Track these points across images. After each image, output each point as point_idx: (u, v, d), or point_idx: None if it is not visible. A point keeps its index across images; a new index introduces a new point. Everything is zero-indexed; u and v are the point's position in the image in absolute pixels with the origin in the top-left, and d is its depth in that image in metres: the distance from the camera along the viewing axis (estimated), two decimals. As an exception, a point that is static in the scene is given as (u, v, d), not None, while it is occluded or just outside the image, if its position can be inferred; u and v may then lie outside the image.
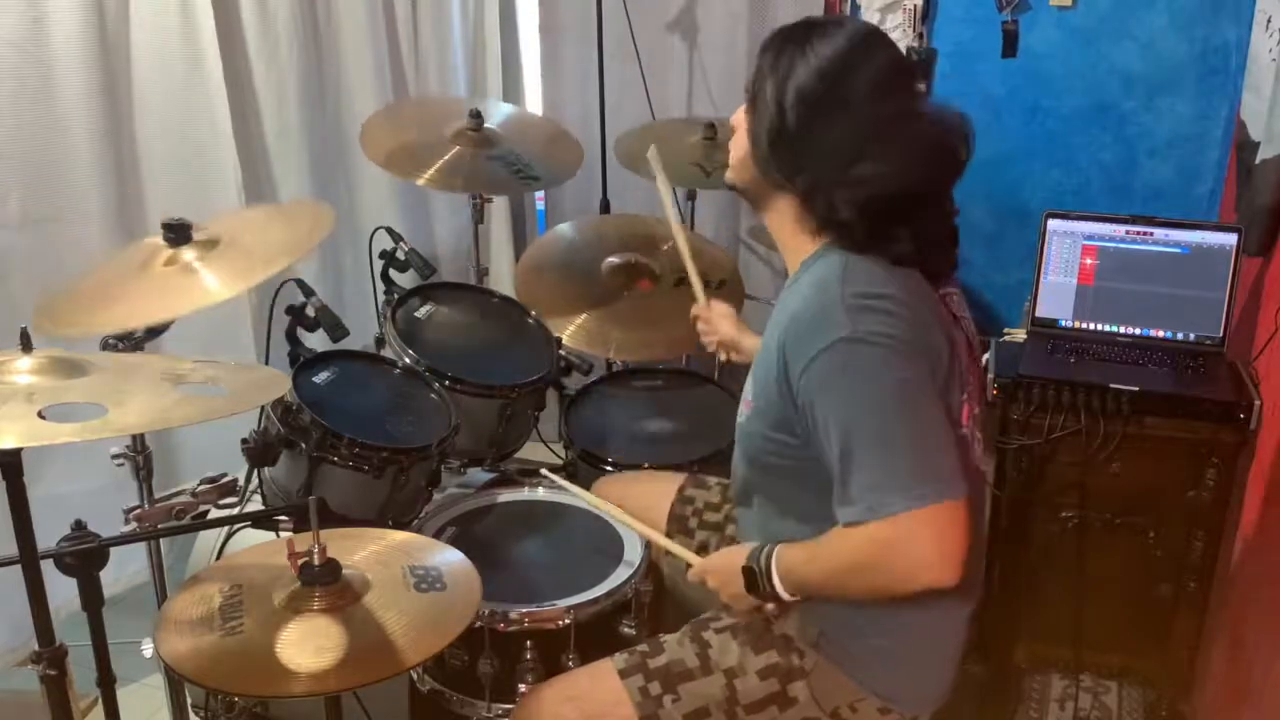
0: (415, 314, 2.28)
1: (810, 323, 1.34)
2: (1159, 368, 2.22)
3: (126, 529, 1.73)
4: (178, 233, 1.68)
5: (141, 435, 1.79)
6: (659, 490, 1.92)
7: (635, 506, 1.81)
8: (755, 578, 1.43)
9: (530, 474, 2.20)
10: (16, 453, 1.30)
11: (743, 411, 1.51)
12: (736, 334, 1.93)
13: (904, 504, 1.26)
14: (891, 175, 1.34)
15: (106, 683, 1.51)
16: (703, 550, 1.82)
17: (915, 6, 2.97)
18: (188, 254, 1.68)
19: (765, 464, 1.48)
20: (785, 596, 1.43)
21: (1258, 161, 2.25)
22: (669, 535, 1.86)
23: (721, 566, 1.52)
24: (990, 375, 2.19)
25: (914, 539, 1.26)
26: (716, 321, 1.96)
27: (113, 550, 1.45)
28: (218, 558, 1.86)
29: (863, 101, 1.35)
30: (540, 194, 3.38)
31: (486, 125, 2.54)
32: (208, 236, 1.73)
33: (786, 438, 1.40)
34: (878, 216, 1.36)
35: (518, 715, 1.60)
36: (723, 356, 1.96)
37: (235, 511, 1.84)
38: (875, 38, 1.41)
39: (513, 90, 3.29)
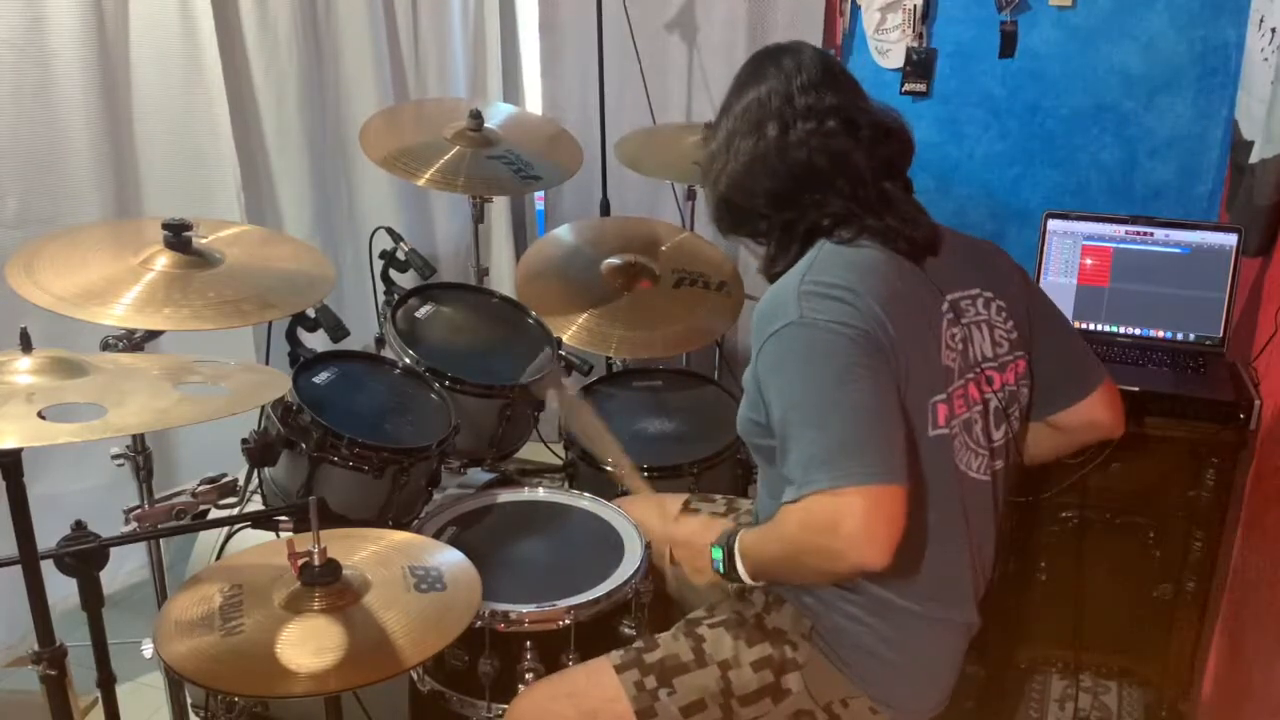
0: (415, 314, 2.28)
1: (768, 308, 1.40)
2: (1159, 368, 2.22)
3: (126, 529, 1.73)
4: (178, 235, 1.68)
5: (141, 435, 1.79)
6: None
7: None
8: (724, 560, 1.45)
9: (530, 474, 2.20)
10: (16, 453, 1.30)
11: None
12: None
13: (829, 481, 1.26)
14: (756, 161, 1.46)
15: (106, 683, 1.52)
16: None
17: (915, 6, 2.97)
18: (184, 265, 1.67)
19: (755, 446, 1.50)
20: (748, 580, 1.43)
21: (1256, 161, 2.25)
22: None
23: (690, 541, 1.56)
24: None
25: (838, 515, 1.25)
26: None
27: (112, 550, 1.45)
28: (218, 558, 1.87)
29: (739, 116, 1.49)
30: (540, 195, 3.39)
31: (486, 125, 2.54)
32: (211, 249, 1.73)
33: (762, 420, 1.43)
34: (745, 196, 1.48)
35: (514, 712, 1.60)
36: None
37: (235, 511, 1.84)
38: (769, 65, 1.50)
39: (513, 90, 3.30)
